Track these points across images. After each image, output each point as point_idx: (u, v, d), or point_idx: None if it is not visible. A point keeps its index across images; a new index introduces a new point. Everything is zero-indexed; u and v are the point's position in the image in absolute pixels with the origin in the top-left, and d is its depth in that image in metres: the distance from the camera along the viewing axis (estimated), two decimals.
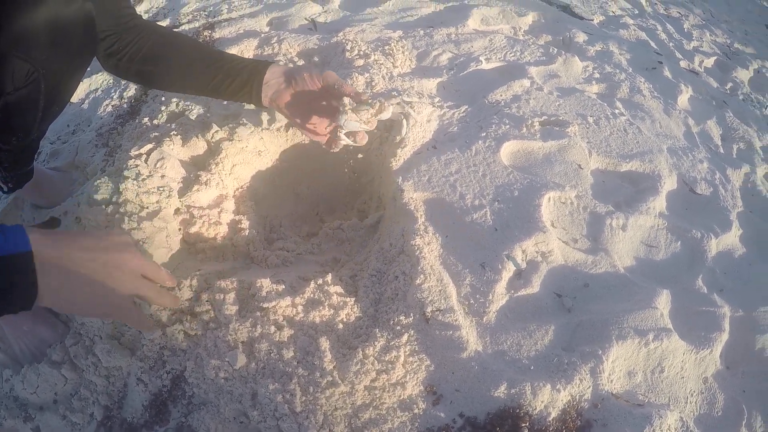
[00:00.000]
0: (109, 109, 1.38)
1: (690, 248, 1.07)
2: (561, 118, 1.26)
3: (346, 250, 0.97)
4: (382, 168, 1.06)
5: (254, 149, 1.08)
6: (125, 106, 1.37)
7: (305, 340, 0.75)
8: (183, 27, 1.64)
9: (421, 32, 1.52)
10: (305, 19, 1.60)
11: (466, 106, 1.23)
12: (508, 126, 1.15)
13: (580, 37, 1.75)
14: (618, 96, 1.50)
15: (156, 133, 1.07)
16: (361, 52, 1.33)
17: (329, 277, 0.81)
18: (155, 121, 1.20)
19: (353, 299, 0.80)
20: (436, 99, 1.25)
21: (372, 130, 0.87)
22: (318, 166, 1.19)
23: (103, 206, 0.85)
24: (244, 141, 1.06)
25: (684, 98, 1.70)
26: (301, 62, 1.36)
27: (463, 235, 0.91)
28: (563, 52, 1.56)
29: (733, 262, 1.09)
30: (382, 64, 1.31)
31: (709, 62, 2.16)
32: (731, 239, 1.15)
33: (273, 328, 0.75)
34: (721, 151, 1.52)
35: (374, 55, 1.33)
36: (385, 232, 0.92)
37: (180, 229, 0.91)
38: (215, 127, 1.06)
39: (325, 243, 1.00)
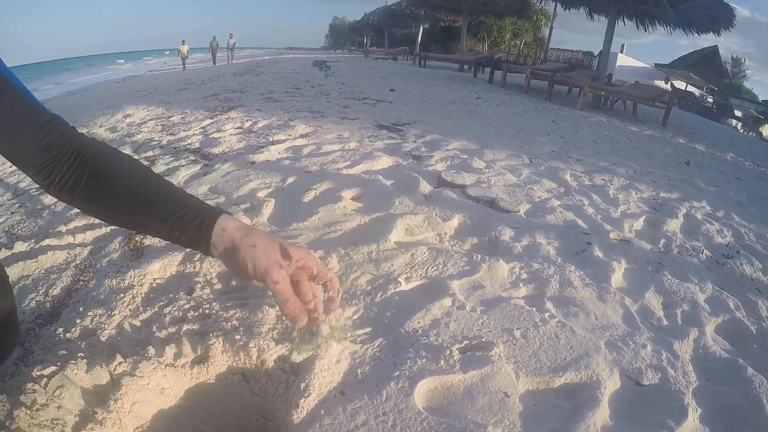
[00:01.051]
0: (32, 305, 1.36)
1: None
2: (484, 339, 1.22)
3: None
4: (286, 419, 1.02)
5: (156, 386, 1.03)
6: (47, 305, 1.35)
7: None
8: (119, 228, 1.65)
9: (342, 252, 1.56)
10: None
11: (381, 339, 1.22)
12: (424, 360, 1.13)
13: (506, 234, 1.86)
14: (548, 295, 1.48)
15: (64, 351, 1.05)
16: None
17: None
18: (68, 335, 1.18)
19: None
20: (349, 333, 1.27)
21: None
22: (223, 407, 1.14)
23: None
24: (146, 378, 1.02)
25: (618, 276, 1.70)
26: (218, 285, 1.39)
27: None
28: (488, 258, 1.61)
29: None
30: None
31: (639, 224, 2.30)
32: (690, 426, 1.05)
33: None
34: (665, 322, 1.48)
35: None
36: None
37: None
38: (119, 358, 1.03)
39: None
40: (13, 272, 1.51)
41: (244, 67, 11.56)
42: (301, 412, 0.99)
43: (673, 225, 2.36)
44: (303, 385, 1.04)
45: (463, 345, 1.20)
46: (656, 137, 5.65)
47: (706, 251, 2.10)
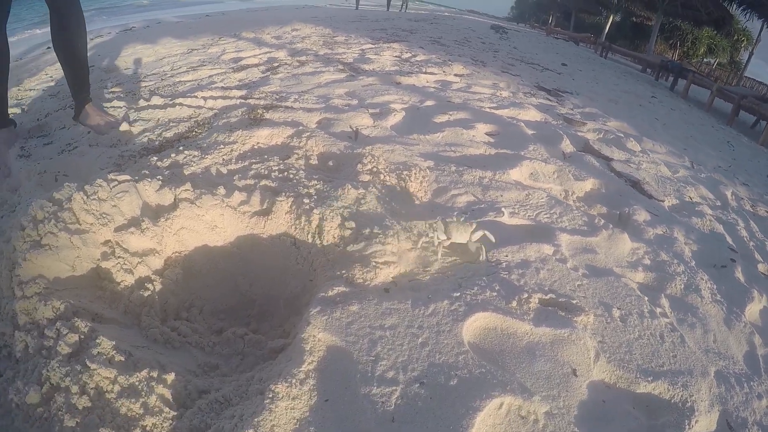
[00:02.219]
0: (144, 140, 1.49)
1: None
2: (575, 302, 1.00)
3: (233, 364, 0.81)
4: (318, 295, 0.89)
5: (210, 222, 1.03)
6: (156, 143, 1.48)
7: (95, 422, 0.61)
8: (250, 100, 1.84)
9: (453, 168, 1.42)
10: (350, 126, 1.64)
11: (456, 257, 1.06)
12: (494, 294, 0.93)
13: (641, 216, 1.49)
14: (667, 291, 1.19)
15: (146, 171, 1.09)
16: (375, 169, 1.28)
17: (171, 377, 0.68)
18: (159, 163, 1.25)
19: (175, 413, 0.64)
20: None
21: None
22: (266, 266, 1.08)
23: (52, 203, 0.88)
24: (203, 210, 1.02)
25: (755, 308, 1.33)
26: (314, 161, 1.37)
27: (347, 411, 0.67)
28: (611, 226, 1.33)
29: None
30: (388, 185, 1.25)
31: None
32: None
33: (76, 389, 0.63)
34: None
35: (387, 176, 1.27)
36: (271, 365, 0.75)
37: (98, 259, 0.87)
38: (188, 186, 1.05)
39: (221, 346, 0.85)
40: (142, 116, 1.68)
41: (421, 16, 11.50)
42: (332, 291, 0.87)
43: None
44: (346, 270, 0.92)
45: (548, 297, 0.97)
46: None
47: None
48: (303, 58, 2.98)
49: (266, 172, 1.22)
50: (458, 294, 0.91)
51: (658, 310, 1.08)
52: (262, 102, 1.84)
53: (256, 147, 1.42)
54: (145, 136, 1.52)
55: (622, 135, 2.44)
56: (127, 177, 1.02)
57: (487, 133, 1.88)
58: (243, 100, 1.88)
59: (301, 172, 1.24)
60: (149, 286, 0.89)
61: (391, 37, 5.06)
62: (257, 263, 1.07)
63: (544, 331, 0.90)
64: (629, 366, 0.91)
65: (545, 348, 0.87)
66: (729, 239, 1.70)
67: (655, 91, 6.75)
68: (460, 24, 10.03)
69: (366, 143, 1.50)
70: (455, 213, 1.21)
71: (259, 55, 3.04)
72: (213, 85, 2.14)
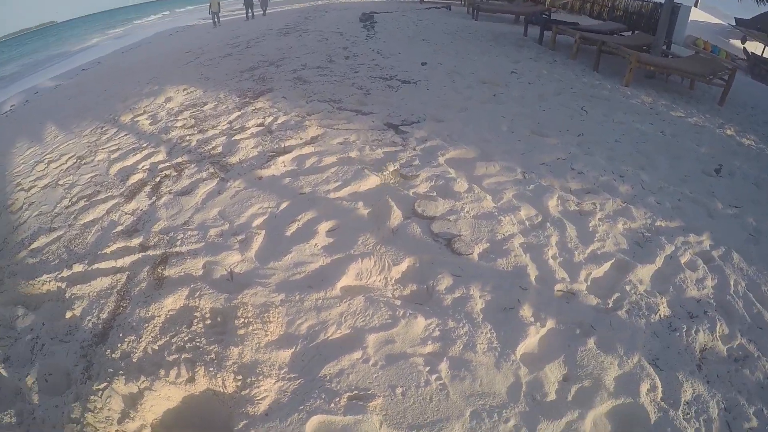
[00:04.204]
0: (90, 325, 2.02)
1: None
2: (370, 391, 1.52)
3: None
4: (236, 423, 1.55)
5: (165, 396, 1.67)
6: (99, 327, 2.02)
7: None
8: (148, 252, 2.39)
9: (297, 297, 1.90)
10: (224, 269, 2.12)
11: (302, 380, 1.67)
12: (321, 401, 1.46)
13: (444, 284, 2.00)
14: (449, 354, 1.66)
15: (111, 369, 1.73)
16: (246, 321, 1.86)
17: None
18: (113, 355, 1.82)
19: None
20: (282, 371, 1.66)
21: None
22: (204, 410, 1.68)
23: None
24: (158, 390, 1.67)
25: (532, 341, 1.75)
26: (209, 321, 1.94)
27: None
28: (408, 314, 1.82)
29: None
30: (256, 334, 1.77)
31: (601, 271, 2.21)
32: None
33: None
34: (551, 398, 1.56)
35: (254, 323, 1.80)
36: None
37: None
38: (143, 378, 1.68)
39: None
40: (75, 293, 2.21)
41: (292, 21, 11.30)
42: (243, 416, 1.52)
43: (644, 272, 2.20)
44: (249, 406, 1.58)
45: (353, 394, 1.48)
46: (700, 127, 5.08)
47: (665, 309, 1.99)
48: (179, 158, 3.48)
49: (182, 344, 1.82)
50: (302, 407, 1.53)
51: (434, 376, 1.58)
52: (158, 252, 2.39)
53: (168, 316, 1.98)
54: (88, 321, 2.05)
55: (452, 175, 2.92)
56: (105, 383, 1.65)
57: (327, 232, 2.31)
58: (143, 253, 2.42)
59: (202, 338, 1.85)
60: None
61: (258, 84, 5.48)
62: (198, 410, 1.67)
63: (349, 418, 1.43)
64: (402, 425, 1.39)
65: (352, 428, 1.46)
66: (531, 269, 2.12)
67: (520, 56, 7.00)
68: (329, 25, 10.09)
69: (240, 283, 2.11)
70: (299, 341, 1.79)
71: (141, 162, 3.59)
72: (114, 230, 2.66)
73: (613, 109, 5.17)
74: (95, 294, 2.18)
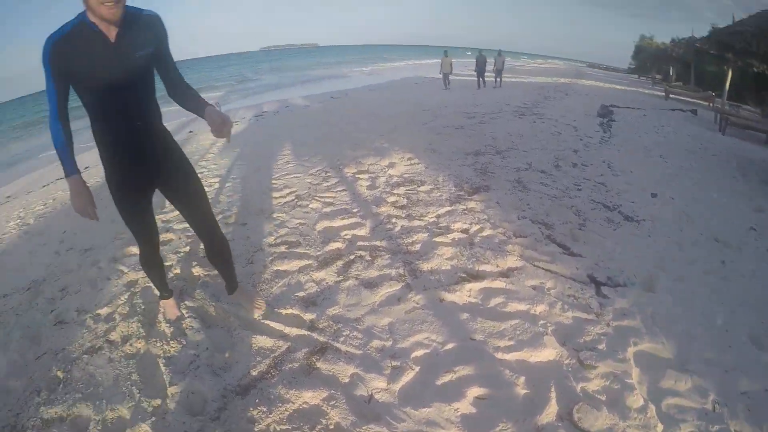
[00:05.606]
0: (244, 381, 2.32)
1: None
2: None
3: None
4: None
5: None
6: (246, 381, 2.30)
7: None
8: (314, 334, 2.55)
9: None
10: (367, 390, 2.19)
11: None
12: None
13: None
14: None
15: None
16: None
17: None
18: (249, 414, 2.00)
19: None
20: None
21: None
22: None
23: None
24: None
25: None
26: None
27: None
28: None
29: None
30: None
31: None
32: None
33: None
34: None
35: None
36: None
37: None
38: None
39: None
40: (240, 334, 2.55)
41: (532, 100, 11.09)
42: None
43: None
44: None
45: None
46: None
47: None
48: (378, 242, 3.66)
49: None
50: None
51: None
52: (321, 338, 2.52)
53: (299, 407, 2.07)
54: (240, 370, 2.32)
55: (632, 381, 2.30)
56: None
57: (476, 398, 2.13)
58: (310, 332, 2.58)
59: None
60: None
61: (478, 176, 5.45)
62: None
63: None
64: None
65: None
66: None
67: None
68: (568, 111, 9.66)
69: (371, 413, 2.06)
70: None
71: (345, 230, 3.92)
72: (297, 293, 3.00)
73: None
74: (256, 349, 2.41)
